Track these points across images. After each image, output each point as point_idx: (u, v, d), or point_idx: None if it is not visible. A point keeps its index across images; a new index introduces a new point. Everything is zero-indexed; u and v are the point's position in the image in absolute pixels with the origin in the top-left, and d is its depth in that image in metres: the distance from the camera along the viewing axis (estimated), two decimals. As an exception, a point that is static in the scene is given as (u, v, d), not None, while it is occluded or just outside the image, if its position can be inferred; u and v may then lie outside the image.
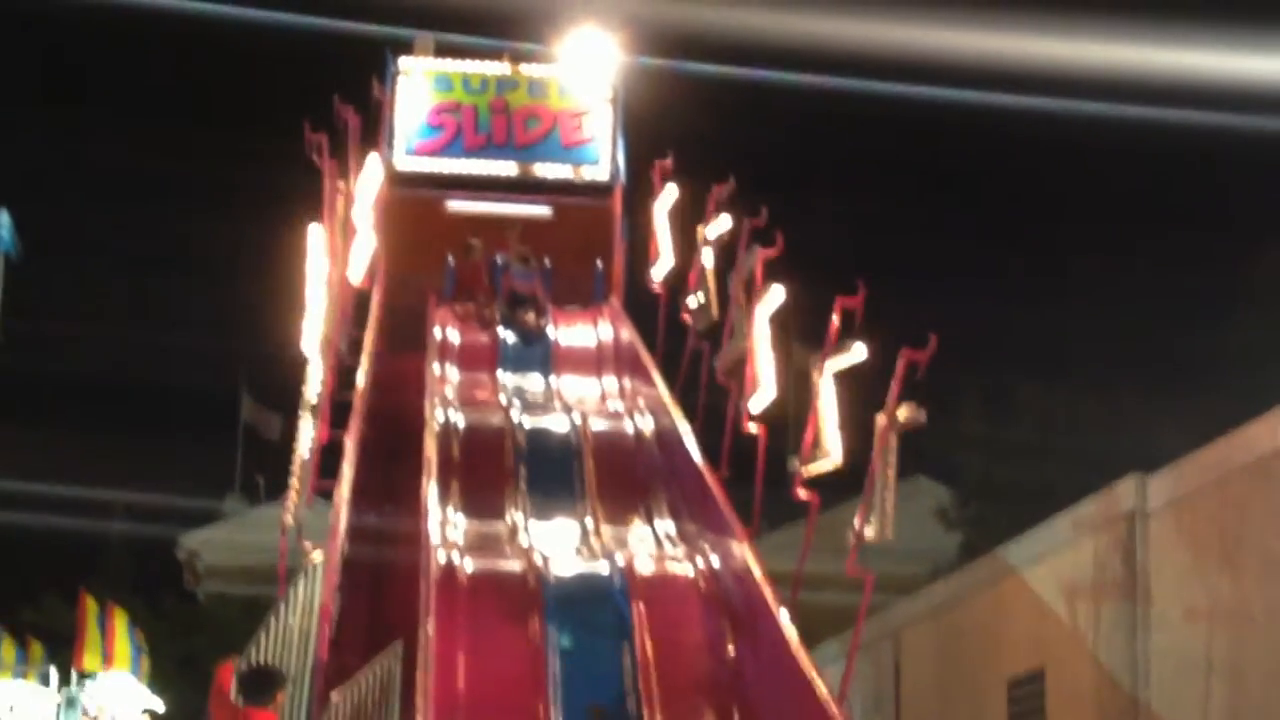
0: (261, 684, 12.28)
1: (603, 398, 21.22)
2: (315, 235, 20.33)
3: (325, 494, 17.10)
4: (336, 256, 20.39)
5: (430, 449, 17.52)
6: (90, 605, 27.24)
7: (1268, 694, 13.89)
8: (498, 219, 24.93)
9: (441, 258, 24.01)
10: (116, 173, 50.06)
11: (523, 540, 16.88)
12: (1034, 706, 18.02)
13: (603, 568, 15.91)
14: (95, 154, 48.00)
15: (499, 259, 23.67)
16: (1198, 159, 37.42)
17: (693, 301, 20.46)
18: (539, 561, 15.84)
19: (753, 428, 16.81)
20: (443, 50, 26.68)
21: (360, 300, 22.42)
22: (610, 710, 14.02)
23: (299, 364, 16.93)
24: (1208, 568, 14.98)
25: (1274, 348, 27.73)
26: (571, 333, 23.06)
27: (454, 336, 22.48)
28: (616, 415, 20.17)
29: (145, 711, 29.29)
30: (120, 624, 27.90)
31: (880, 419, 13.90)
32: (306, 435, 16.34)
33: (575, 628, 14.86)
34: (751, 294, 17.29)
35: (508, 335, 22.42)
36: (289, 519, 16.08)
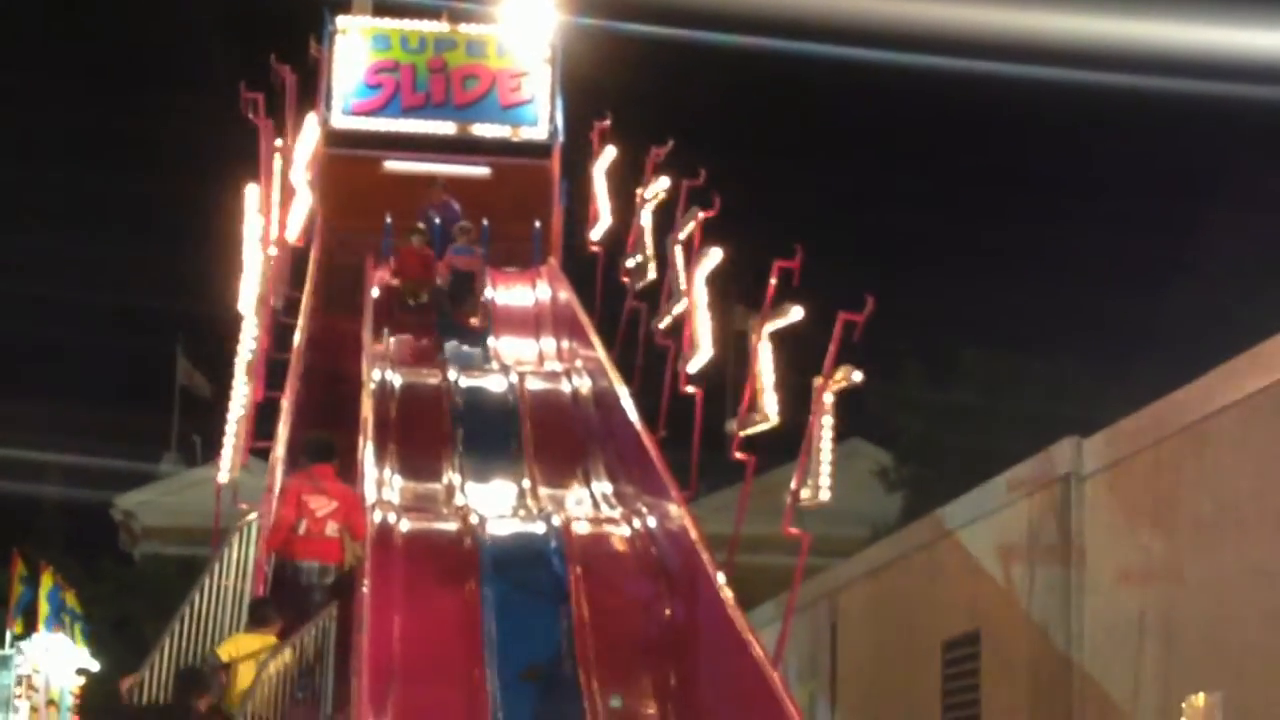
0: (323, 447, 14.56)
1: (540, 358, 21.16)
2: (252, 195, 20.13)
3: (261, 454, 16.97)
4: (273, 216, 20.20)
5: (367, 409, 17.43)
6: (21, 567, 27.04)
7: (1199, 655, 13.98)
8: (432, 178, 24.86)
9: (379, 217, 23.87)
10: (52, 131, 49.55)
11: (459, 501, 16.82)
12: (969, 668, 18.09)
13: (540, 529, 15.87)
14: (29, 111, 47.45)
15: (436, 218, 23.52)
16: (1143, 126, 37.58)
17: (630, 262, 20.41)
18: (476, 522, 15.78)
19: (690, 389, 16.79)
20: (381, 9, 26.52)
21: (298, 259, 22.25)
22: (546, 671, 14.00)
23: (234, 324, 16.77)
24: (1141, 530, 15.06)
25: (1209, 314, 27.93)
26: (509, 293, 22.96)
27: (392, 296, 22.36)
28: (554, 376, 20.12)
29: (79, 672, 29.07)
30: (53, 585, 27.69)
31: (817, 381, 13.90)
32: (241, 395, 16.21)
33: (512, 589, 14.81)
34: (689, 255, 17.26)
35: (450, 343, 21.38)
36: (224, 479, 15.93)
